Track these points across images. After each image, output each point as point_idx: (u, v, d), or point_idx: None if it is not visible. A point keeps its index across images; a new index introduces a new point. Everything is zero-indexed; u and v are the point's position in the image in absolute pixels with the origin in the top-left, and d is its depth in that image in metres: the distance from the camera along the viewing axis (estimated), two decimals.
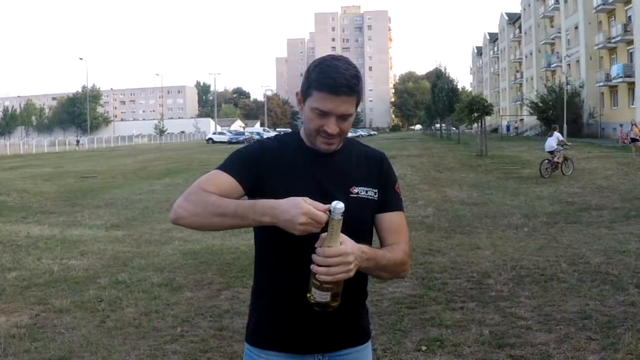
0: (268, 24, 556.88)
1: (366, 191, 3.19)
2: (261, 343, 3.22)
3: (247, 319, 3.39)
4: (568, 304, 9.28)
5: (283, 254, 3.08)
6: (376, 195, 3.22)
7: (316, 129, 3.04)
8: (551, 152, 31.25)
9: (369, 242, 3.16)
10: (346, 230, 2.81)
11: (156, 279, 11.41)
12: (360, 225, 3.15)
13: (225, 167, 3.11)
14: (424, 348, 7.66)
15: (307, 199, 2.72)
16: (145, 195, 26.59)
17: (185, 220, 2.96)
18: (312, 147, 3.17)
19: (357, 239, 2.91)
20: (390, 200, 3.27)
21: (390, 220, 3.25)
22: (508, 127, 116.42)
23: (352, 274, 2.76)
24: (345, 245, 2.74)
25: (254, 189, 3.08)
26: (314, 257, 2.73)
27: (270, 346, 3.19)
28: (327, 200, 2.74)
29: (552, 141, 31.53)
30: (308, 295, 2.84)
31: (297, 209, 2.68)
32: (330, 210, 2.68)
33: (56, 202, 24.39)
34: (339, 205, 2.66)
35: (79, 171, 42.51)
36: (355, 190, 3.17)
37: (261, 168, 3.10)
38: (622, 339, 7.67)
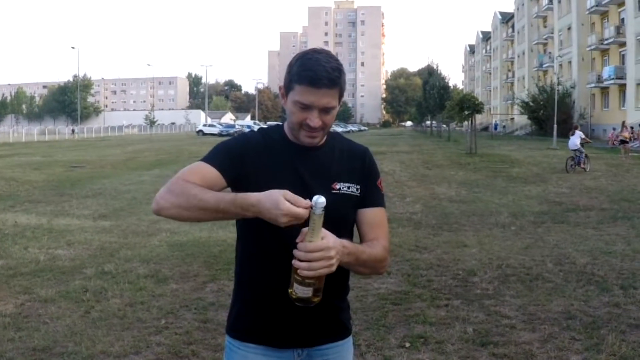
0: (261, 17, 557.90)
1: (348, 187, 3.19)
2: (241, 335, 3.23)
3: (229, 309, 3.39)
4: (553, 303, 9.30)
5: (264, 247, 3.08)
6: (358, 191, 3.22)
7: (299, 122, 3.04)
8: (574, 150, 32.44)
9: (349, 237, 3.19)
10: (327, 225, 2.81)
11: (142, 270, 11.40)
12: (341, 221, 3.15)
13: (208, 158, 3.12)
14: (407, 344, 7.67)
15: (287, 192, 2.71)
16: (134, 186, 26.53)
17: (167, 212, 2.97)
18: (295, 142, 3.17)
19: (338, 235, 2.90)
20: (371, 196, 3.28)
21: (371, 215, 3.25)
22: (496, 126, 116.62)
23: (334, 268, 2.76)
24: (327, 239, 2.74)
25: (237, 181, 3.08)
26: (296, 252, 2.72)
27: (249, 338, 3.20)
28: (309, 196, 2.73)
29: (576, 139, 32.94)
30: (290, 290, 2.83)
31: (278, 211, 2.67)
32: (311, 206, 2.67)
33: (44, 191, 24.33)
34: (320, 200, 2.66)
35: (68, 160, 42.40)
36: (337, 186, 3.17)
37: (245, 161, 3.11)
38: (605, 339, 7.69)
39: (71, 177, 30.79)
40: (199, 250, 12.97)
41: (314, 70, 2.95)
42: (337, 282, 3.15)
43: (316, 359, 3.24)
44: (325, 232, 2.75)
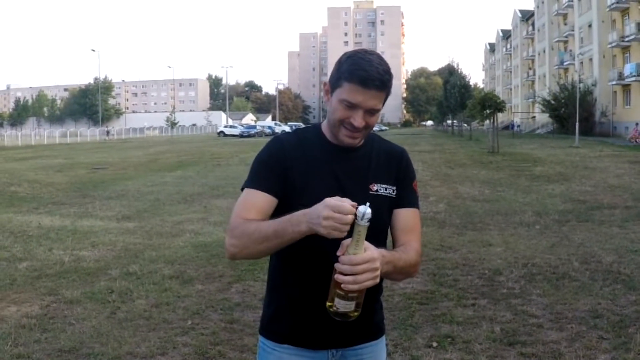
0: (281, 18, 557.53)
1: (385, 188, 3.17)
2: (276, 337, 3.22)
3: (262, 312, 3.39)
4: (580, 302, 9.24)
5: (299, 252, 3.01)
6: (394, 193, 3.19)
7: (341, 119, 3.01)
8: None
9: (385, 240, 3.18)
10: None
11: (167, 271, 11.42)
12: (379, 223, 3.09)
13: (252, 182, 3.11)
14: (435, 344, 7.64)
15: (330, 199, 2.64)
16: (157, 187, 26.60)
17: (240, 255, 3.01)
18: (333, 142, 3.14)
19: (376, 237, 2.87)
20: (406, 196, 3.23)
21: (405, 217, 3.21)
22: (512, 125, 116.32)
23: (378, 280, 2.70)
24: (371, 251, 2.67)
25: (284, 191, 3.08)
26: (339, 266, 2.64)
27: (284, 340, 3.19)
28: (345, 197, 2.67)
29: None
30: (328, 304, 2.76)
31: (322, 204, 2.62)
32: (356, 215, 2.59)
33: (67, 193, 24.42)
34: (367, 211, 2.58)
35: (90, 162, 42.57)
36: (375, 187, 3.14)
37: (286, 167, 3.08)
38: (633, 338, 7.64)
39: (94, 178, 30.90)
40: (224, 251, 12.88)
41: (367, 70, 2.91)
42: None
43: (350, 358, 3.23)
44: (366, 244, 2.67)
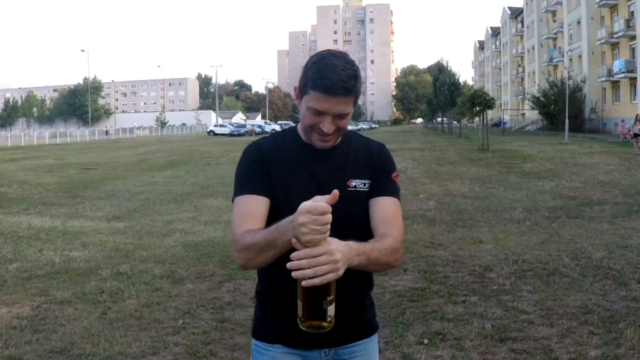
0: (270, 17, 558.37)
1: (363, 184, 3.16)
2: (267, 338, 3.24)
3: (253, 315, 3.40)
4: (570, 298, 9.26)
5: (282, 257, 2.87)
6: (369, 186, 3.18)
7: (311, 125, 3.02)
8: None
9: (365, 235, 3.12)
10: (346, 225, 2.84)
11: (157, 270, 11.40)
12: (358, 219, 3.13)
13: (240, 189, 3.11)
14: (426, 341, 7.65)
15: (304, 204, 2.57)
16: (147, 187, 26.56)
17: (249, 266, 3.01)
18: (309, 143, 3.14)
19: (356, 233, 2.91)
20: (382, 185, 3.20)
21: (382, 206, 3.15)
22: (500, 123, 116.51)
23: (340, 272, 2.60)
24: (329, 243, 2.59)
25: (271, 191, 3.09)
26: (294, 263, 2.55)
27: (276, 340, 3.20)
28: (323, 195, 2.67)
29: None
30: (299, 319, 2.67)
31: (298, 210, 2.56)
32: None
33: (57, 194, 24.36)
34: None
35: (80, 163, 42.50)
36: (353, 183, 3.14)
37: (267, 168, 3.10)
38: (624, 334, 7.66)
39: (84, 179, 30.85)
40: (214, 250, 12.96)
41: (330, 79, 2.88)
42: (361, 279, 3.15)
43: (343, 357, 3.23)
44: (329, 238, 2.60)
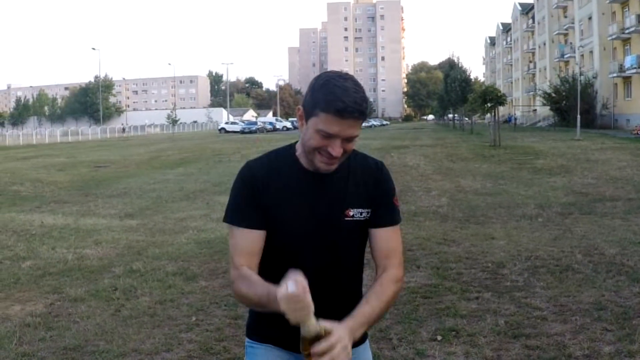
0: (280, 14, 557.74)
1: (360, 213, 3.13)
2: (260, 338, 3.29)
3: (248, 316, 3.44)
4: (583, 294, 9.24)
5: (281, 264, 2.94)
6: (369, 215, 3.16)
7: (317, 147, 2.95)
8: None
9: (361, 263, 3.26)
10: (343, 254, 2.95)
11: (170, 268, 11.43)
12: (355, 247, 3.17)
13: (234, 217, 3.11)
14: (439, 338, 7.65)
15: (280, 290, 2.57)
16: (159, 184, 26.61)
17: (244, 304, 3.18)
18: (307, 168, 3.09)
19: (355, 261, 3.06)
20: (384, 215, 3.19)
21: (383, 238, 3.17)
22: (509, 119, 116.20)
23: (351, 355, 2.67)
24: (334, 332, 2.62)
25: (266, 220, 3.09)
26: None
27: (267, 340, 3.26)
28: (320, 227, 2.77)
29: None
30: None
31: (278, 297, 2.56)
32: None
33: (69, 192, 24.45)
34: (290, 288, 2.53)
35: (91, 161, 42.57)
36: (351, 212, 3.12)
37: (261, 196, 3.07)
38: (637, 330, 7.64)
39: (96, 177, 30.93)
40: (227, 247, 12.83)
41: (343, 101, 2.83)
42: (351, 291, 3.23)
43: None
44: (328, 325, 2.63)
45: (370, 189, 3.17)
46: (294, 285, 2.51)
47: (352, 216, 3.11)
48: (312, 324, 2.59)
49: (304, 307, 2.53)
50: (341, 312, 2.86)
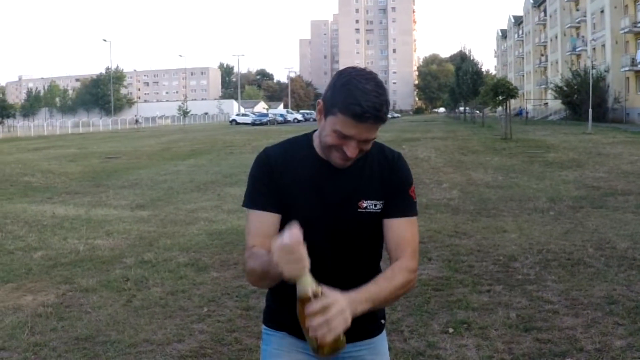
0: (291, 6, 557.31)
1: (374, 204, 3.10)
2: (276, 325, 3.32)
3: (264, 305, 3.48)
4: (595, 288, 9.23)
5: None
6: (382, 207, 3.12)
7: (333, 145, 2.93)
8: None
9: (377, 255, 3.23)
10: (356, 246, 2.92)
11: (182, 258, 11.46)
12: (370, 239, 3.14)
13: (251, 201, 3.10)
14: (450, 330, 7.65)
15: (275, 241, 2.56)
16: (170, 175, 26.68)
17: (259, 287, 3.19)
18: (323, 157, 3.07)
19: (370, 253, 3.03)
20: (397, 205, 3.14)
21: (396, 229, 3.11)
22: (520, 112, 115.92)
23: (349, 322, 2.59)
24: (331, 295, 2.59)
25: (282, 205, 3.08)
26: (311, 320, 2.55)
27: (284, 328, 3.28)
28: (332, 217, 2.77)
29: None
30: (312, 351, 2.65)
31: (272, 247, 2.56)
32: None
33: (81, 183, 24.52)
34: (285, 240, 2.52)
35: (103, 152, 42.71)
36: (364, 204, 3.08)
37: (276, 181, 3.06)
38: None
39: (107, 168, 31.00)
40: (238, 239, 12.97)
41: (362, 106, 2.79)
42: (361, 284, 3.17)
43: (349, 349, 3.24)
44: (326, 291, 2.61)
45: (384, 179, 3.14)
46: (289, 237, 2.50)
47: (366, 208, 3.08)
48: (308, 282, 2.58)
49: (297, 259, 2.52)
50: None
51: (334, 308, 2.52)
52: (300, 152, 3.14)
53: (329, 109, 2.92)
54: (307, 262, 2.54)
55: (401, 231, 3.10)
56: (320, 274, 2.71)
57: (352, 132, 2.84)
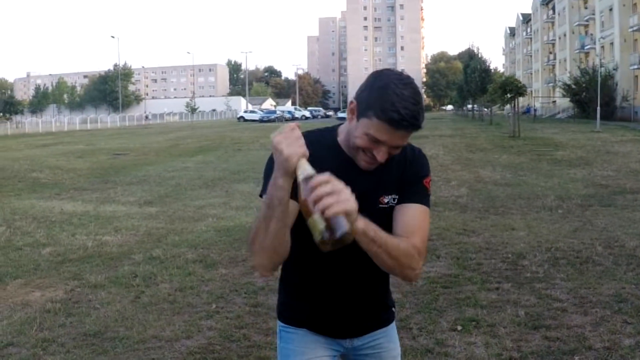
0: (299, 3, 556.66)
1: (393, 199, 3.05)
2: (293, 321, 3.29)
3: (277, 299, 3.45)
4: (603, 287, 9.21)
5: (309, 251, 2.82)
6: (398, 199, 3.07)
7: (362, 148, 2.88)
8: None
9: None
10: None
11: (190, 255, 11.47)
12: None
13: (263, 190, 2.97)
14: (459, 328, 7.64)
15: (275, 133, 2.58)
16: (178, 172, 26.72)
17: (260, 264, 2.86)
18: (347, 153, 3.01)
19: None
20: (410, 191, 3.07)
21: (406, 214, 3.02)
22: (527, 110, 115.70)
23: (354, 204, 2.47)
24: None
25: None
26: (315, 192, 2.41)
27: (302, 325, 3.26)
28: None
29: None
30: (320, 240, 2.40)
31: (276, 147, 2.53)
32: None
33: (89, 179, 24.57)
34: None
35: (111, 148, 42.79)
36: (385, 200, 3.04)
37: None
38: None
39: (115, 164, 31.05)
40: (246, 235, 12.94)
41: (400, 113, 2.72)
42: (378, 286, 3.22)
43: (365, 340, 3.30)
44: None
45: (401, 172, 3.08)
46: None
47: (387, 203, 3.04)
48: (309, 167, 2.53)
49: (297, 137, 2.52)
50: (368, 300, 2.85)
51: (339, 183, 2.44)
52: (324, 145, 3.05)
53: (362, 111, 2.84)
54: (306, 150, 2.54)
55: (411, 216, 3.02)
56: (339, 270, 2.71)
57: (385, 138, 2.79)
